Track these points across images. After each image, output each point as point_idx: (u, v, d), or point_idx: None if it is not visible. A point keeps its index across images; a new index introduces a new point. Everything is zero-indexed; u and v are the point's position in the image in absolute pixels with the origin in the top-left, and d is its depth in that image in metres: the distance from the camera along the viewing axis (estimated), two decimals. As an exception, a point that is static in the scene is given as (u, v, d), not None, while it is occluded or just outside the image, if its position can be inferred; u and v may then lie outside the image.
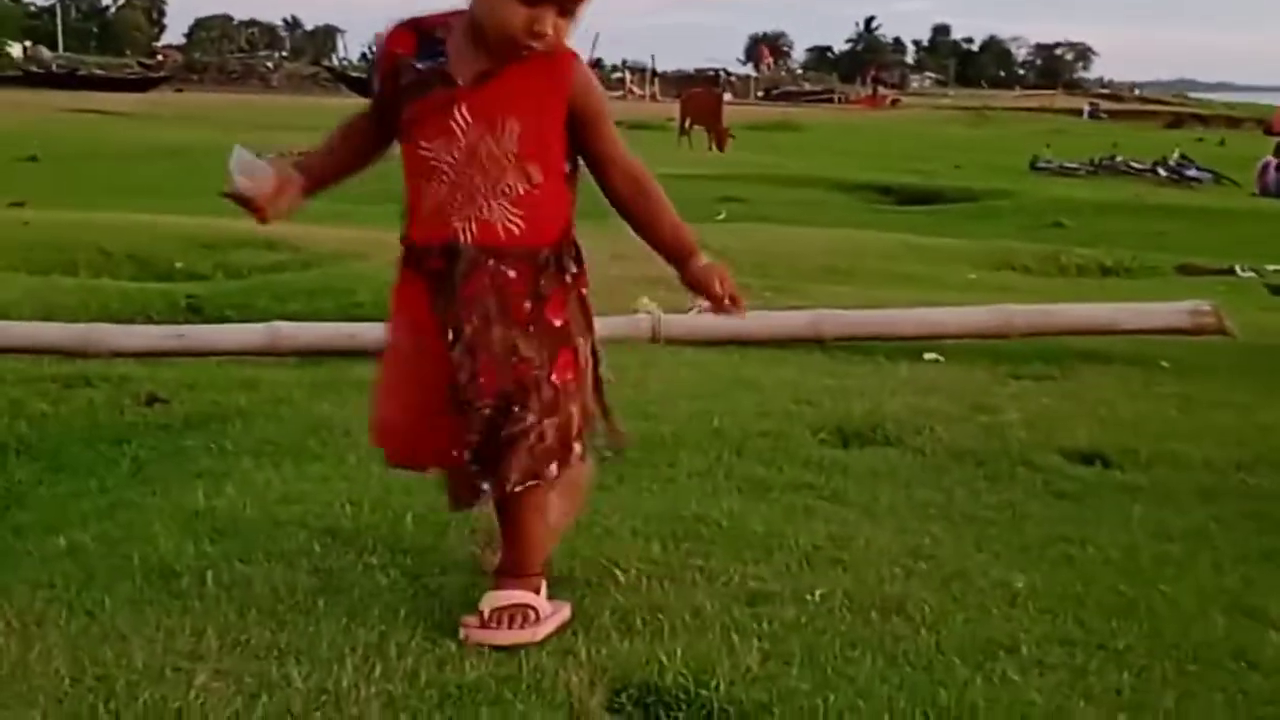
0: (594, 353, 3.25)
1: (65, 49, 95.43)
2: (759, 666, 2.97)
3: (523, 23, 2.94)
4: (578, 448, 3.15)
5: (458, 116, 3.00)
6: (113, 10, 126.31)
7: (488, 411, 3.03)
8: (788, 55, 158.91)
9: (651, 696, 2.84)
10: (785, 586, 3.45)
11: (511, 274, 3.05)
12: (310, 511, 3.91)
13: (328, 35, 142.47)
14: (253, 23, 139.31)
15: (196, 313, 8.08)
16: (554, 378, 3.07)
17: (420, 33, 3.08)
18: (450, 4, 3.11)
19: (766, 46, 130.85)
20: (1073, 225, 16.52)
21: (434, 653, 2.98)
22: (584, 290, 3.22)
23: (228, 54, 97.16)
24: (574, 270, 3.17)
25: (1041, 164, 27.89)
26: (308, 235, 10.75)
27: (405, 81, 3.06)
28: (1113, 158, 28.65)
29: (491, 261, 3.04)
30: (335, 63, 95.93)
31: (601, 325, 6.60)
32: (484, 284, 3.04)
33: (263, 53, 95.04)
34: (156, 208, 12.79)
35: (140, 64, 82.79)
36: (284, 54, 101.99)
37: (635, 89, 70.64)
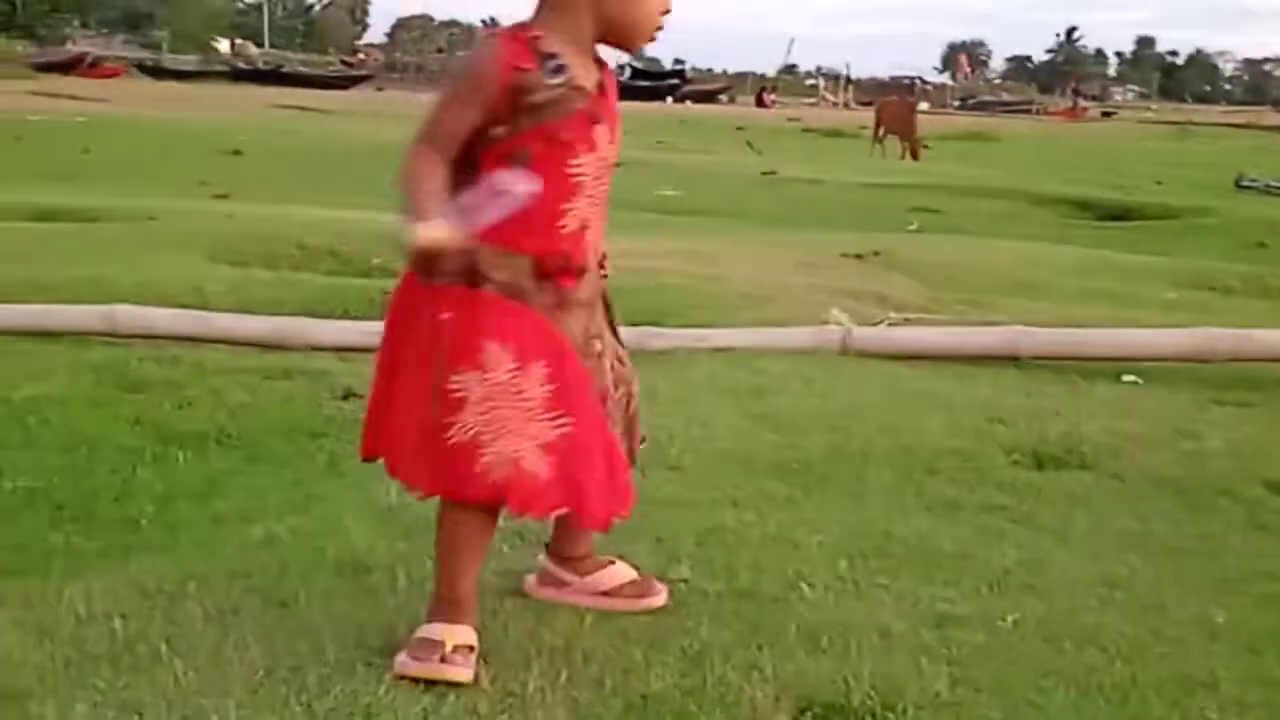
0: None
1: (271, 46, 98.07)
2: (948, 692, 2.91)
3: (661, 8, 3.00)
4: None
5: (599, 130, 2.97)
6: (318, 9, 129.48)
7: (620, 413, 3.17)
8: (985, 64, 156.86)
9: (837, 717, 2.80)
10: (975, 610, 3.38)
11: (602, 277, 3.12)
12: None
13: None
14: (453, 23, 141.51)
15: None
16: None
17: (530, 45, 2.92)
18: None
19: (964, 55, 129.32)
20: (1278, 246, 16.00)
21: (619, 661, 2.97)
22: None
23: (428, 54, 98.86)
24: None
25: (1246, 182, 27.03)
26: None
27: (538, 99, 2.88)
28: (1322, 177, 27.70)
29: (598, 266, 3.08)
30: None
31: (790, 335, 6.69)
32: (602, 291, 3.13)
33: (462, 53, 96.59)
34: (356, 204, 13.02)
35: (343, 62, 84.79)
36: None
37: (829, 96, 70.33)
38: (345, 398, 5.81)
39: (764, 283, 8.84)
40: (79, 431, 5.09)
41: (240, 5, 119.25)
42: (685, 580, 3.46)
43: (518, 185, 2.79)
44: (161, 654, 2.92)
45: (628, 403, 3.22)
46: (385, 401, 3.05)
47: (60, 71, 50.15)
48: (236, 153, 21.28)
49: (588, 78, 2.95)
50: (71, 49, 69.31)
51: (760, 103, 65.68)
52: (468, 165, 2.88)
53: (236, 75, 63.30)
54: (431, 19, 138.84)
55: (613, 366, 3.14)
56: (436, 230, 2.74)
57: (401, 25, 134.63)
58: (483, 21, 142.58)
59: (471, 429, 2.85)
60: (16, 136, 22.17)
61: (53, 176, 15.75)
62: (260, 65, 70.32)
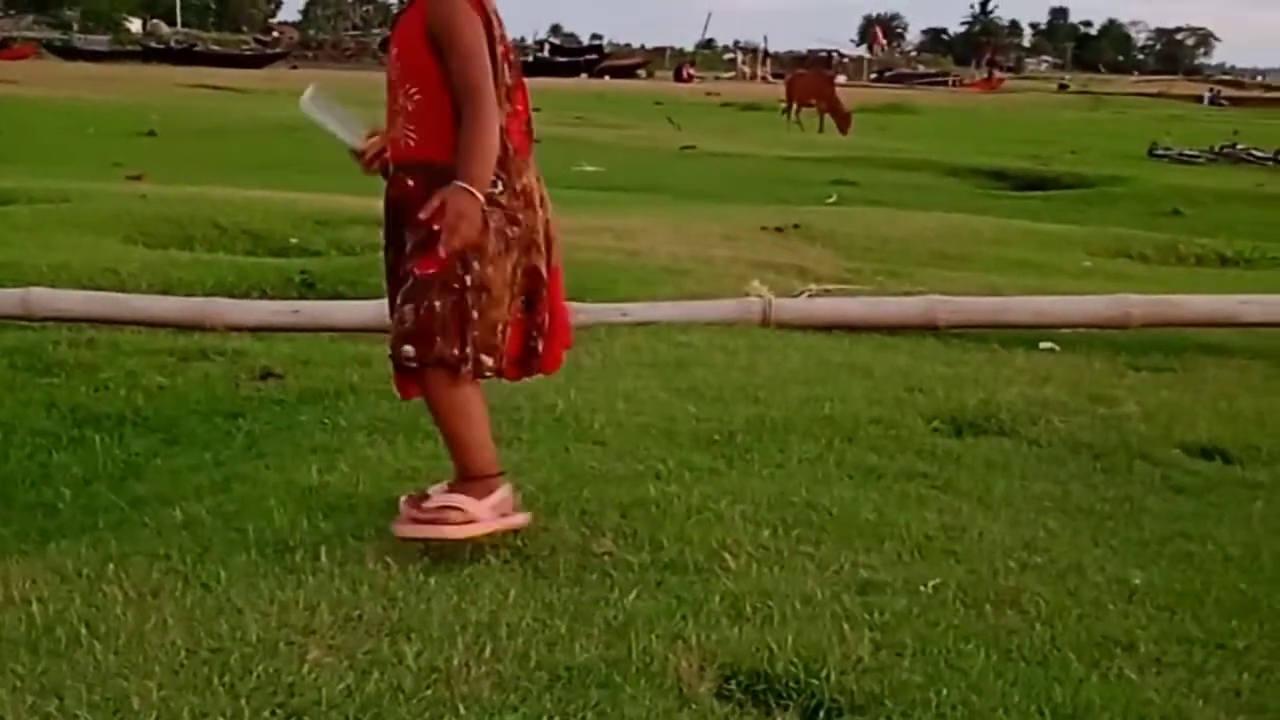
0: (530, 275, 3.53)
1: (183, 25, 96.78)
2: (870, 657, 2.94)
3: None
4: (443, 342, 3.37)
5: (390, 52, 3.53)
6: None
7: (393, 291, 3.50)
8: (902, 37, 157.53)
9: (761, 684, 2.82)
10: (897, 576, 3.41)
11: (411, 183, 3.46)
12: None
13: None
14: (368, 0, 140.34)
15: (310, 288, 8.15)
16: (415, 270, 3.37)
17: None
18: None
19: (880, 28, 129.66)
20: (1192, 214, 16.20)
21: (544, 634, 2.98)
22: (501, 210, 3.43)
23: (342, 31, 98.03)
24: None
25: (1160, 151, 27.37)
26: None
27: None
28: (1234, 145, 28.02)
29: (400, 173, 3.50)
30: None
31: (712, 308, 6.70)
32: (401, 195, 3.48)
33: (376, 30, 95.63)
34: (271, 183, 12.91)
35: (256, 40, 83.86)
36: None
37: (747, 70, 70.41)
38: (263, 377, 5.77)
39: (684, 256, 8.87)
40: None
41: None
42: (609, 553, 3.47)
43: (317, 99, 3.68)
44: (81, 637, 2.89)
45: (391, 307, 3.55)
46: None
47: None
48: (150, 133, 21.03)
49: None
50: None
51: (679, 77, 65.69)
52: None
53: (148, 55, 62.45)
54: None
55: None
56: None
57: (315, 2, 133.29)
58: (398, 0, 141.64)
59: None
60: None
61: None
62: (172, 45, 69.40)
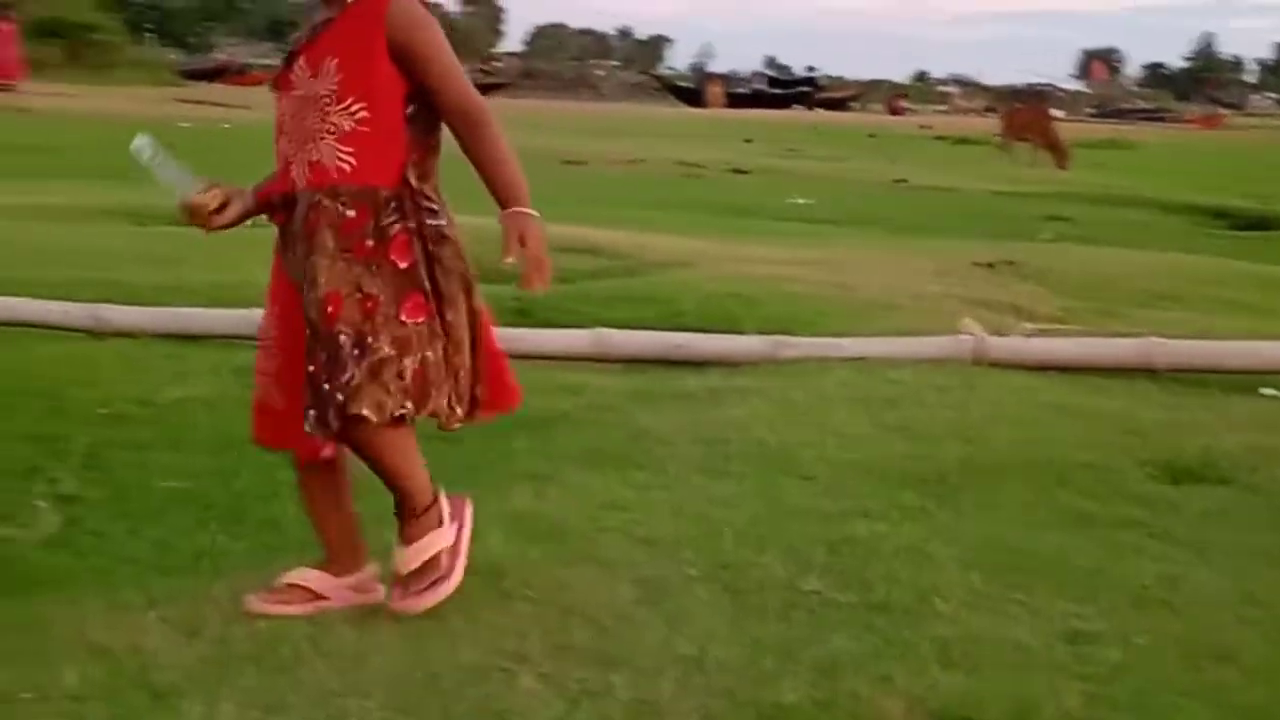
0: (474, 315, 3.25)
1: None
2: (1082, 709, 2.89)
3: None
4: (438, 401, 3.15)
5: (296, 69, 3.14)
6: (457, 17, 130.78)
7: (346, 339, 3.03)
8: (1120, 71, 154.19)
9: (970, 731, 2.79)
10: (1111, 627, 3.34)
11: (350, 213, 3.09)
12: (632, 519, 3.98)
13: (657, 45, 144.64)
14: (588, 31, 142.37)
15: (523, 315, 8.27)
16: (403, 317, 3.08)
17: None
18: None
19: (1099, 62, 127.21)
20: None
21: (752, 671, 2.99)
22: (451, 245, 3.20)
23: (563, 62, 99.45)
24: (431, 220, 3.16)
25: (1393, 190, 26.33)
26: (631, 242, 10.92)
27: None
28: None
29: (328, 201, 3.09)
30: (664, 72, 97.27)
31: (923, 345, 6.65)
32: (322, 223, 3.09)
33: (594, 61, 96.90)
34: (486, 211, 13.14)
35: (480, 70, 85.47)
36: (615, 63, 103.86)
37: (961, 103, 69.66)
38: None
39: (895, 291, 8.80)
40: (226, 433, 5.18)
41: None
42: (817, 591, 3.48)
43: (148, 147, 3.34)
44: (304, 654, 2.99)
45: (364, 350, 3.08)
46: None
47: (207, 79, 51.11)
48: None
49: (309, 25, 3.21)
50: (219, 57, 70.61)
51: (892, 110, 65.26)
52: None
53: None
54: (567, 27, 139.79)
55: (362, 304, 3.08)
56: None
57: (538, 34, 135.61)
58: (617, 30, 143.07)
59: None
60: (166, 144, 22.61)
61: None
62: (396, 73, 71.04)
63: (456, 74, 3.17)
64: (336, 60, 3.08)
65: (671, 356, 6.70)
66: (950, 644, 3.16)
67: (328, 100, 3.08)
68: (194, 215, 3.23)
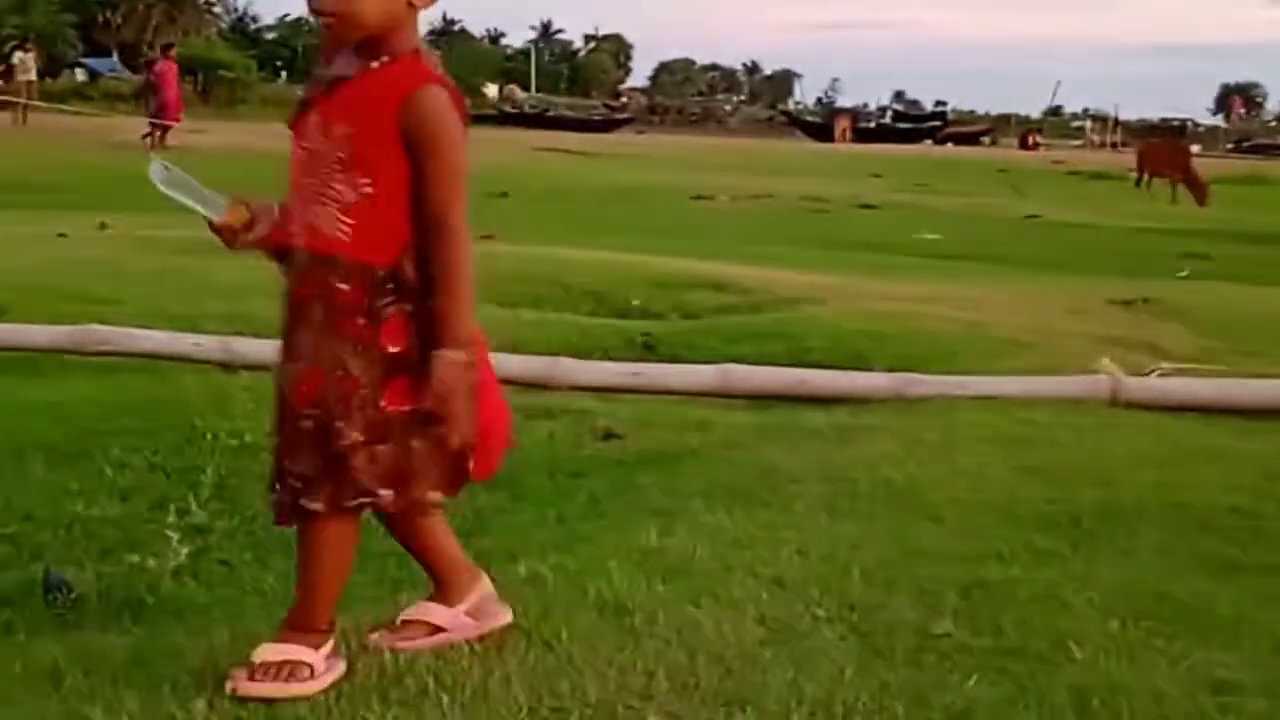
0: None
1: (537, 90, 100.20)
2: (1227, 763, 2.79)
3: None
4: (422, 488, 3.00)
5: (311, 120, 2.98)
6: (583, 53, 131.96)
7: (309, 424, 2.92)
8: (1261, 106, 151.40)
9: (1108, 784, 2.71)
10: (1256, 677, 3.23)
11: (343, 287, 2.92)
12: (758, 558, 3.93)
13: (785, 80, 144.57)
14: (714, 66, 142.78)
15: (650, 350, 8.27)
16: (384, 403, 2.92)
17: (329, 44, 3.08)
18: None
19: (1237, 97, 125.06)
20: None
21: (881, 716, 2.93)
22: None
23: (689, 97, 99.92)
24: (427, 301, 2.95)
25: None
26: (758, 278, 10.89)
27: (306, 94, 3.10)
28: None
29: (322, 271, 2.94)
30: (791, 107, 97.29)
31: (1057, 384, 6.53)
32: (314, 293, 2.95)
33: (721, 96, 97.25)
34: (615, 245, 13.19)
35: (606, 105, 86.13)
36: (742, 98, 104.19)
37: (1095, 138, 68.84)
38: (605, 438, 5.88)
39: (1028, 329, 8.66)
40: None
41: (508, 51, 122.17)
42: (949, 634, 3.40)
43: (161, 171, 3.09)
44: (429, 688, 2.98)
45: (331, 435, 2.93)
46: None
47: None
48: (503, 194, 21.78)
49: (330, 73, 3.02)
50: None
51: (1025, 145, 64.60)
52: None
53: (503, 119, 64.80)
54: (693, 63, 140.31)
55: (341, 383, 2.93)
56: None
57: (664, 69, 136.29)
58: (744, 65, 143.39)
59: None
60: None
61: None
62: (526, 109, 71.88)
63: (452, 184, 2.95)
64: (350, 130, 2.92)
65: (798, 393, 6.64)
66: (1087, 692, 3.07)
67: (335, 166, 2.92)
68: (222, 235, 3.05)
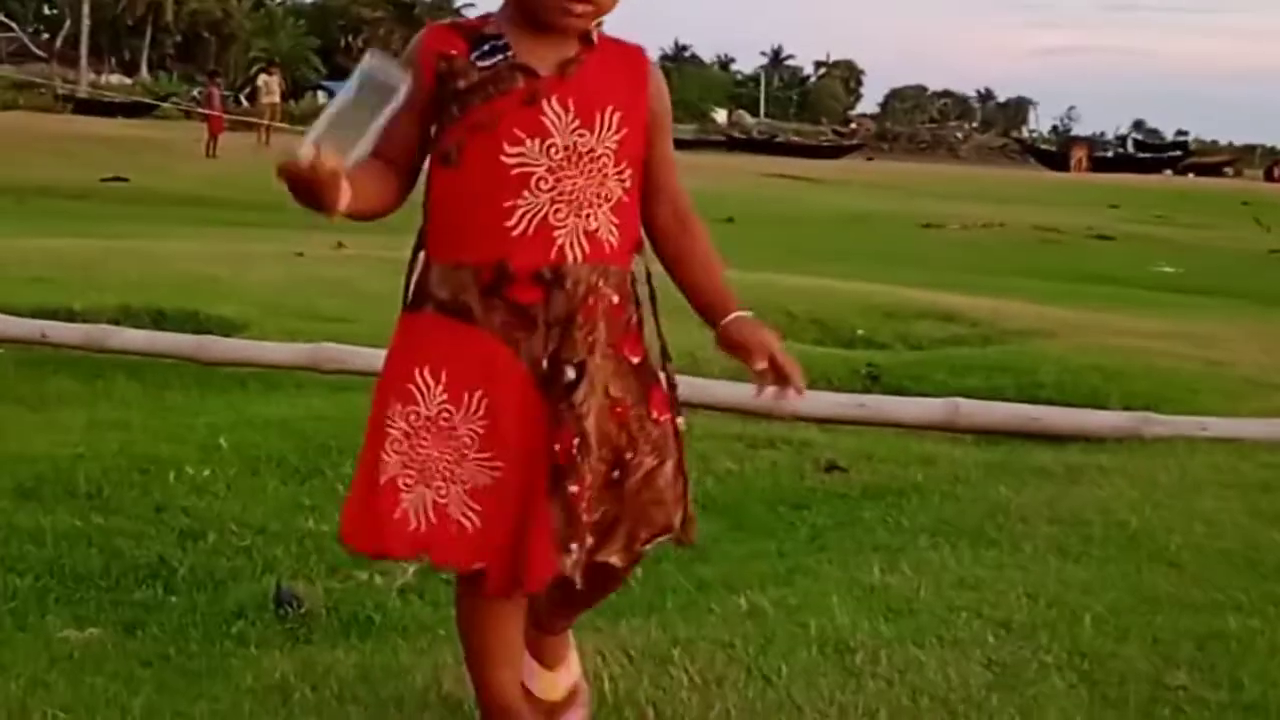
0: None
1: (766, 115, 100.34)
2: None
3: None
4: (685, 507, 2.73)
5: (549, 111, 2.55)
6: (813, 79, 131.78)
7: (603, 468, 2.61)
8: None
9: None
10: None
11: (615, 299, 2.62)
12: (985, 599, 3.84)
13: (1020, 107, 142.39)
14: (946, 93, 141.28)
15: (875, 381, 8.18)
16: (654, 414, 2.68)
17: (465, 31, 2.62)
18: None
19: None
20: None
21: (1111, 770, 2.83)
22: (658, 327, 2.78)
23: (919, 124, 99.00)
24: (649, 299, 2.74)
25: None
26: (987, 309, 10.71)
27: (466, 84, 2.56)
28: None
29: (600, 282, 2.59)
30: (1025, 135, 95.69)
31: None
32: (597, 310, 2.59)
33: (953, 123, 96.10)
34: (841, 273, 13.11)
35: (835, 131, 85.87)
36: (974, 125, 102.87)
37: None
38: (828, 470, 5.81)
39: (1272, 369, 8.34)
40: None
41: (738, 77, 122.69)
42: (1184, 687, 3.28)
43: (386, 72, 2.35)
44: (649, 718, 2.98)
45: (624, 469, 2.65)
46: None
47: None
48: (729, 220, 21.83)
49: (542, 57, 2.57)
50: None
51: (1270, 177, 62.46)
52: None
53: (732, 144, 65.02)
54: (925, 89, 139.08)
55: (612, 410, 2.63)
56: (304, 149, 2.31)
57: (895, 95, 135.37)
58: (977, 92, 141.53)
59: (392, 470, 2.58)
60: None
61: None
62: (755, 135, 72.06)
63: (674, 165, 2.76)
64: (619, 114, 2.58)
65: (1028, 430, 6.50)
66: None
67: (606, 160, 2.58)
68: (312, 182, 2.34)
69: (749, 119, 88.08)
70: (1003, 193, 34.70)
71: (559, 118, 2.54)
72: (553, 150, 2.54)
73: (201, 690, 3.21)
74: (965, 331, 10.09)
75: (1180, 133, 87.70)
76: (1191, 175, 60.29)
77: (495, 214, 2.54)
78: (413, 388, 2.58)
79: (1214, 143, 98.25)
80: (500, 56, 2.56)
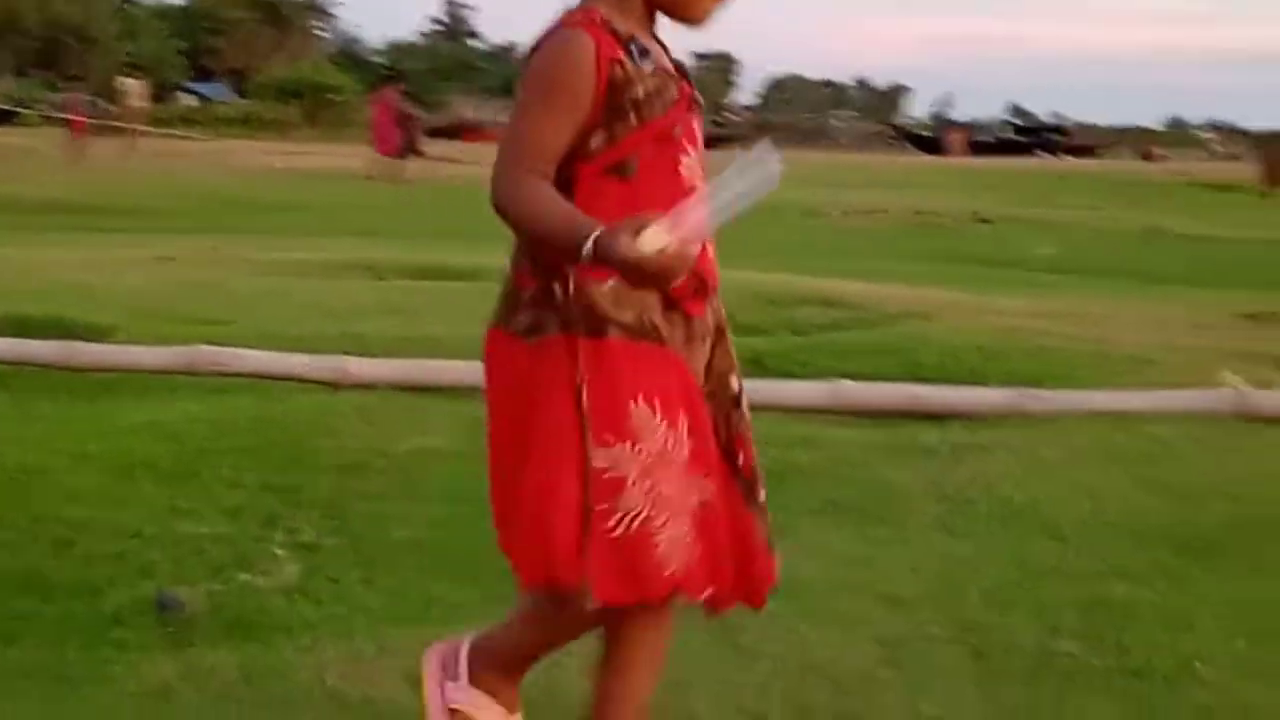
0: None
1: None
2: (1366, 790, 2.67)
3: None
4: None
5: (697, 119, 2.52)
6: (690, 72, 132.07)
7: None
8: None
9: (1240, 812, 2.60)
10: (1394, 700, 3.10)
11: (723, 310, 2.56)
12: (872, 576, 3.86)
13: (896, 94, 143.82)
14: (827, 83, 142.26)
15: (758, 366, 8.18)
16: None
17: (609, 30, 2.41)
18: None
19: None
20: None
21: (1000, 738, 2.84)
22: None
23: (799, 114, 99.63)
24: None
25: None
26: (870, 294, 10.76)
27: (644, 92, 2.40)
28: None
29: (713, 305, 2.54)
30: (902, 120, 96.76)
31: (1181, 399, 6.35)
32: (727, 332, 2.57)
33: (833, 112, 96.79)
34: (722, 262, 13.11)
35: (714, 123, 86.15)
36: (854, 113, 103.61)
37: (1220, 148, 67.74)
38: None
39: (1150, 344, 8.46)
40: (460, 484, 5.22)
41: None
42: (1070, 655, 3.31)
43: (768, 161, 2.27)
44: (536, 702, 2.94)
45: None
46: (513, 489, 2.56)
47: (446, 136, 52.51)
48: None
49: (665, 58, 2.47)
50: (465, 115, 72.39)
51: (1147, 157, 63.63)
52: (559, 188, 2.37)
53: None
54: (803, 78, 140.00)
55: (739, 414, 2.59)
56: (657, 239, 2.17)
57: (775, 85, 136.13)
58: (855, 81, 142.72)
59: (639, 515, 2.37)
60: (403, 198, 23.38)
61: (439, 235, 16.40)
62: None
63: None
64: (697, 121, 2.50)
65: (911, 409, 6.52)
66: (1215, 713, 2.99)
67: (703, 169, 2.47)
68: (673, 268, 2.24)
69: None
70: (884, 178, 34.96)
71: (700, 122, 2.51)
72: (701, 158, 2.48)
73: (83, 697, 3.14)
74: (848, 316, 10.11)
75: (1056, 115, 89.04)
76: (1068, 158, 61.28)
77: None
78: (634, 424, 2.37)
79: (1090, 125, 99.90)
80: (651, 62, 2.43)
